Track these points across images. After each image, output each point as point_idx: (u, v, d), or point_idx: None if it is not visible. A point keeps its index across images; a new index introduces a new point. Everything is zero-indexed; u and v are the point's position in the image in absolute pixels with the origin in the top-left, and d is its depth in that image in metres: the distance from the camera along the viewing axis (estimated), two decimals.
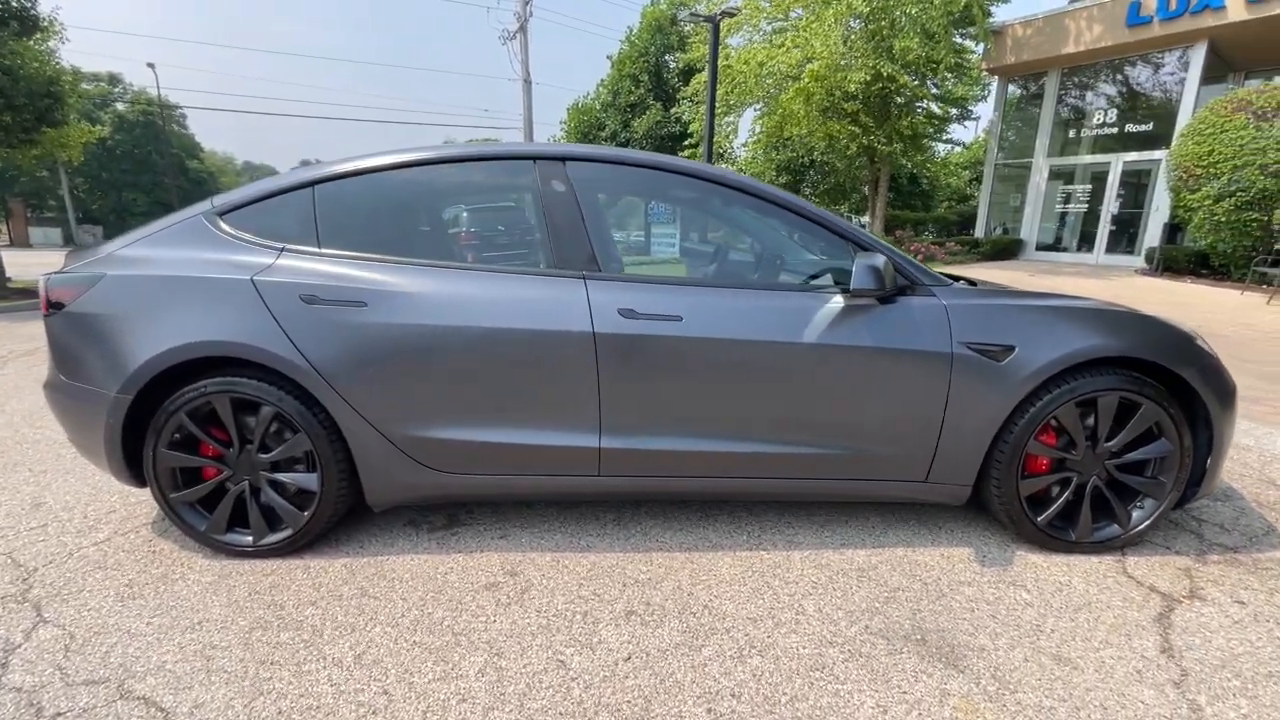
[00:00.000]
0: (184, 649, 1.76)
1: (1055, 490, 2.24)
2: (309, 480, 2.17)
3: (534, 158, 2.22)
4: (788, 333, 2.09)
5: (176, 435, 2.13)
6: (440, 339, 2.06)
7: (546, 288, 2.10)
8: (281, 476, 2.18)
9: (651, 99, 21.65)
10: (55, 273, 2.20)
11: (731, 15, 12.50)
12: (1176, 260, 12.45)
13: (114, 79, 32.86)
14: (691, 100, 18.13)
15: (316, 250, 2.15)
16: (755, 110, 16.56)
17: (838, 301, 2.12)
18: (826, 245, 2.25)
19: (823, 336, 2.09)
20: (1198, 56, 13.04)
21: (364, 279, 2.08)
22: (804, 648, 1.77)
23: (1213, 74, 13.68)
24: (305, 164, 2.72)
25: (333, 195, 2.22)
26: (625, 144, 21.57)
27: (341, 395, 2.07)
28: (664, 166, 2.26)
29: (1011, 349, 2.10)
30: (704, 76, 16.62)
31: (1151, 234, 13.88)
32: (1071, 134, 15.56)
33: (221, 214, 2.22)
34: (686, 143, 19.10)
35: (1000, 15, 14.74)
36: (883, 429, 2.16)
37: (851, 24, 13.47)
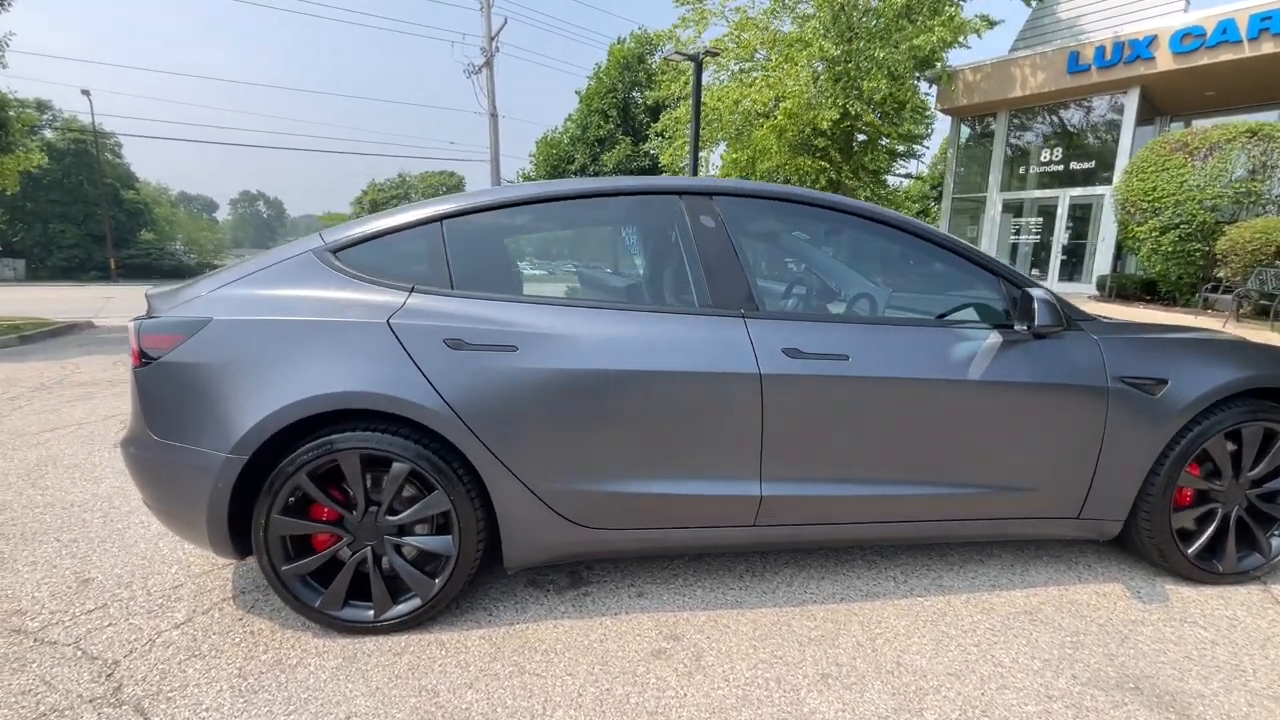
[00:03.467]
0: None
1: (1200, 522, 2.24)
2: (442, 543, 1.95)
3: (680, 192, 2.12)
4: (952, 370, 2.04)
5: (291, 499, 1.89)
6: (596, 384, 1.91)
7: (706, 327, 1.99)
8: (411, 540, 1.95)
9: (620, 134, 21.97)
10: (147, 318, 1.95)
11: (715, 55, 12.86)
12: (1126, 287, 13.31)
13: (42, 105, 31.02)
14: (661, 135, 18.47)
15: (450, 291, 1.98)
16: (725, 146, 17.02)
17: (996, 337, 2.09)
18: (974, 281, 2.23)
19: (987, 373, 2.04)
20: (1132, 101, 14.19)
21: (513, 321, 1.92)
22: (1026, 705, 1.67)
23: (1143, 117, 14.91)
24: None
25: (463, 231, 2.06)
26: (594, 177, 21.77)
27: (490, 449, 1.88)
28: (817, 202, 2.20)
29: (1164, 382, 2.11)
30: (674, 113, 17.00)
31: (1100, 263, 14.82)
32: (1021, 170, 16.59)
33: (335, 250, 2.02)
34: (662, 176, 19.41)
35: (951, 60, 15.68)
36: (1042, 466, 2.12)
37: (816, 66, 14.08)
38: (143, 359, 1.90)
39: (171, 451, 1.88)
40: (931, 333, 2.11)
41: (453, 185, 47.25)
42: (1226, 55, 12.57)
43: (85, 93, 28.29)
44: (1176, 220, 11.48)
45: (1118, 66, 13.82)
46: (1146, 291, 13.03)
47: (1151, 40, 13.32)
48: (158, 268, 32.88)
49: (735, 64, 16.18)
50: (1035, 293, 2.00)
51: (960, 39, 13.13)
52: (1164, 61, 13.27)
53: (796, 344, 1.98)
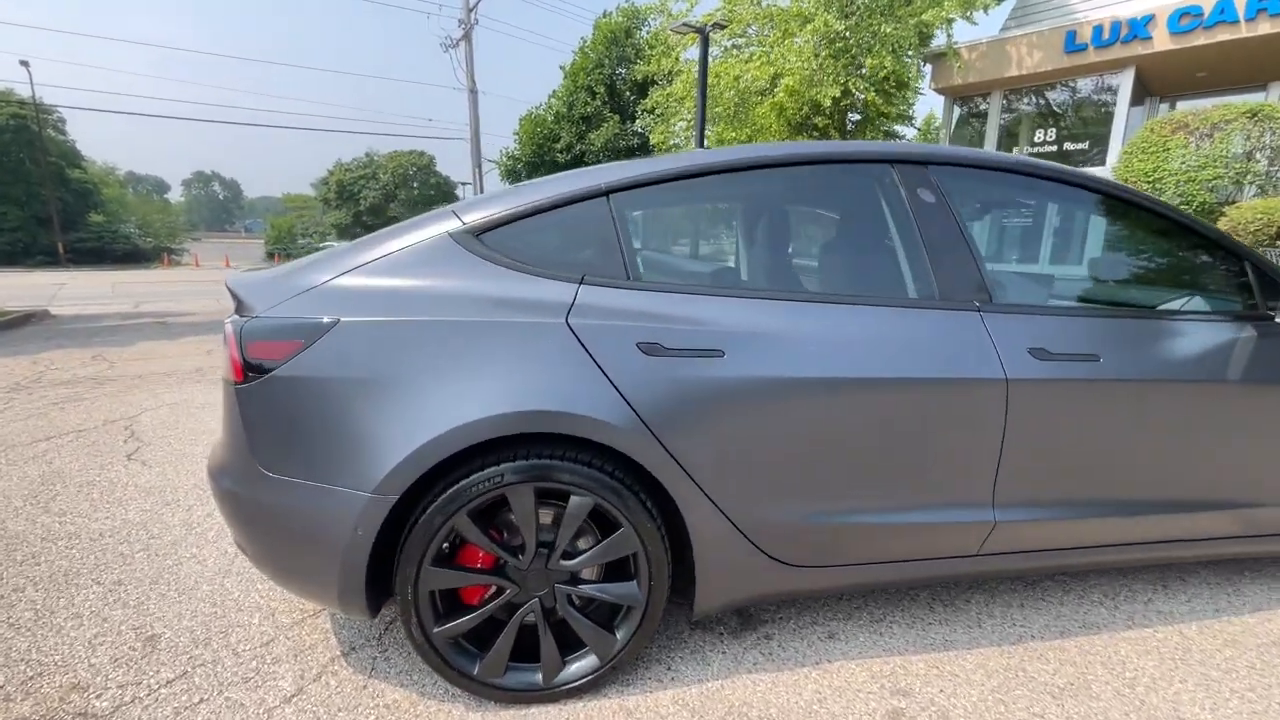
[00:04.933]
0: None
1: None
2: (627, 591, 1.59)
3: (891, 160, 1.77)
4: (1207, 369, 1.76)
5: (445, 545, 1.51)
6: (819, 395, 1.57)
7: (935, 323, 1.65)
8: (588, 589, 1.59)
9: (607, 111, 21.22)
10: (246, 317, 1.51)
11: (722, 27, 12.37)
12: None
13: None
14: (651, 113, 17.92)
15: (627, 281, 1.59)
16: (715, 125, 16.55)
17: (1251, 330, 1.81)
18: (1209, 265, 1.94)
19: (1247, 372, 1.76)
20: (1126, 81, 14.24)
21: (715, 320, 1.55)
22: None
23: (1134, 99, 14.99)
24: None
25: (635, 207, 1.68)
26: (581, 156, 21.04)
27: (692, 477, 1.52)
28: (1053, 175, 1.87)
29: None
30: (668, 89, 16.47)
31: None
32: (1014, 151, 16.59)
33: (478, 233, 1.62)
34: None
35: (942, 39, 15.45)
36: None
37: (815, 42, 13.70)
38: (248, 372, 1.48)
39: (290, 491, 1.47)
40: (1179, 325, 1.81)
41: (423, 165, 45.65)
42: (1223, 35, 12.65)
43: (24, 63, 26.23)
44: (1178, 201, 11.55)
45: (1115, 46, 13.82)
46: None
47: (1149, 20, 13.33)
48: (110, 252, 31.06)
49: (728, 40, 15.70)
50: None
51: (968, 14, 12.90)
52: (1161, 41, 13.30)
53: (1043, 342, 1.67)
